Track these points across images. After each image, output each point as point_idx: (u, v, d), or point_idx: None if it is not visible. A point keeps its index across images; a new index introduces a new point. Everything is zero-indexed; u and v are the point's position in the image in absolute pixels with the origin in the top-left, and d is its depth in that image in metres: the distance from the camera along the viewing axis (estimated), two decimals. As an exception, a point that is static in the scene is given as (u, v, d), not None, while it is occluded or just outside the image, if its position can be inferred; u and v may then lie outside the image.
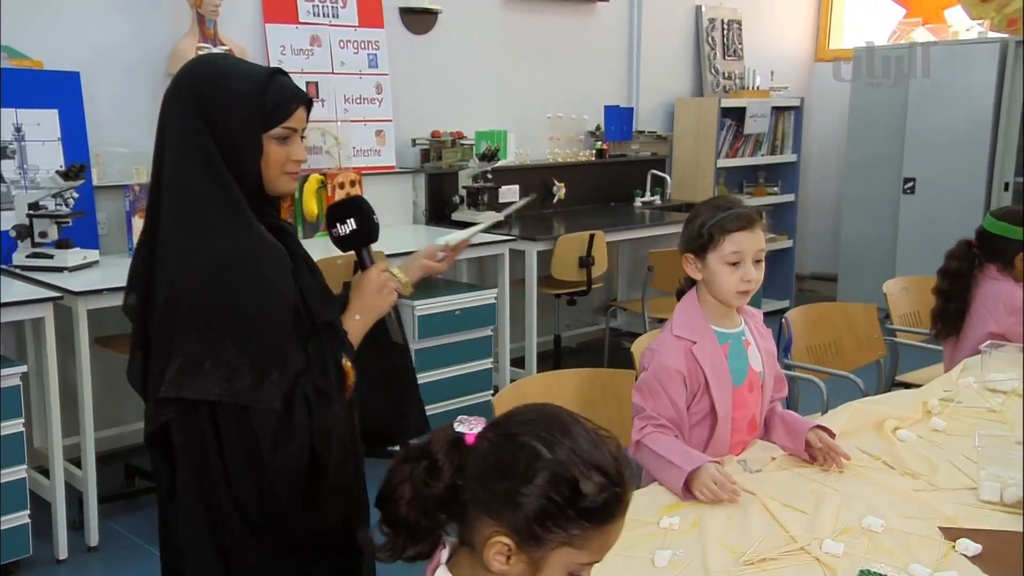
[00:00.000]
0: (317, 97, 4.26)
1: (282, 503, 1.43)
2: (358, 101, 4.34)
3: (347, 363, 1.50)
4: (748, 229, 1.78)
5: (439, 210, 4.51)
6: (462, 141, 4.58)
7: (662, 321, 4.57)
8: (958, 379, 2.29)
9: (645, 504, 1.59)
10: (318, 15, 4.26)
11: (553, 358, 4.70)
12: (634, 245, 5.19)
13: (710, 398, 1.81)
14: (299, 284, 1.49)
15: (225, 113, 1.44)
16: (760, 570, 1.39)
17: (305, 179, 3.99)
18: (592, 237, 4.19)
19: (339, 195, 4.09)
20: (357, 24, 4.38)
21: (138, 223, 3.26)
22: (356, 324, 1.54)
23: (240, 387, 1.38)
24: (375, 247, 1.65)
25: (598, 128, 5.40)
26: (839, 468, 1.74)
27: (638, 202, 5.40)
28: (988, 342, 2.33)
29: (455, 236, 1.77)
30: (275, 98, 1.45)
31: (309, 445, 1.42)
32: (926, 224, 5.74)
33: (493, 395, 3.86)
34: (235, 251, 1.42)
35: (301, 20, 4.21)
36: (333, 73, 4.32)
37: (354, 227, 1.59)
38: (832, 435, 1.80)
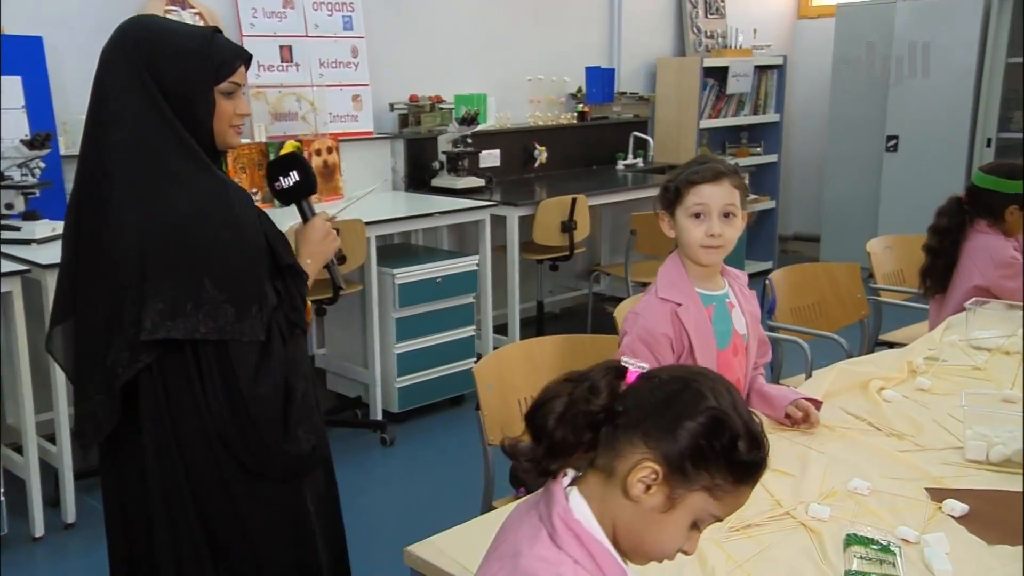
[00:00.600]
0: (292, 61, 4.16)
1: (262, 430, 1.50)
2: (334, 65, 4.23)
3: (310, 305, 1.66)
4: (713, 182, 1.75)
5: (419, 176, 4.43)
6: (441, 105, 4.49)
7: (645, 285, 4.54)
8: (943, 337, 2.28)
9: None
10: (290, -24, 4.15)
11: (536, 324, 4.66)
12: (616, 209, 5.14)
13: (694, 361, 1.78)
14: (263, 229, 1.57)
15: (176, 68, 1.50)
16: (746, 536, 1.37)
17: (280, 146, 3.90)
18: (574, 201, 4.13)
19: (315, 161, 4.01)
20: (330, -15, 4.26)
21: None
22: (308, 268, 1.67)
23: (224, 324, 1.46)
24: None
25: (579, 90, 5.32)
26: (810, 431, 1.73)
27: (620, 165, 5.34)
28: (973, 299, 2.31)
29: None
30: (221, 54, 1.54)
31: (284, 376, 1.52)
32: (909, 182, 5.72)
33: (475, 361, 3.84)
34: (204, 195, 1.48)
35: (273, -18, 4.10)
36: (307, 36, 4.21)
37: (297, 179, 1.71)
38: (818, 404, 1.78)
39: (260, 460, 1.53)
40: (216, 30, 1.58)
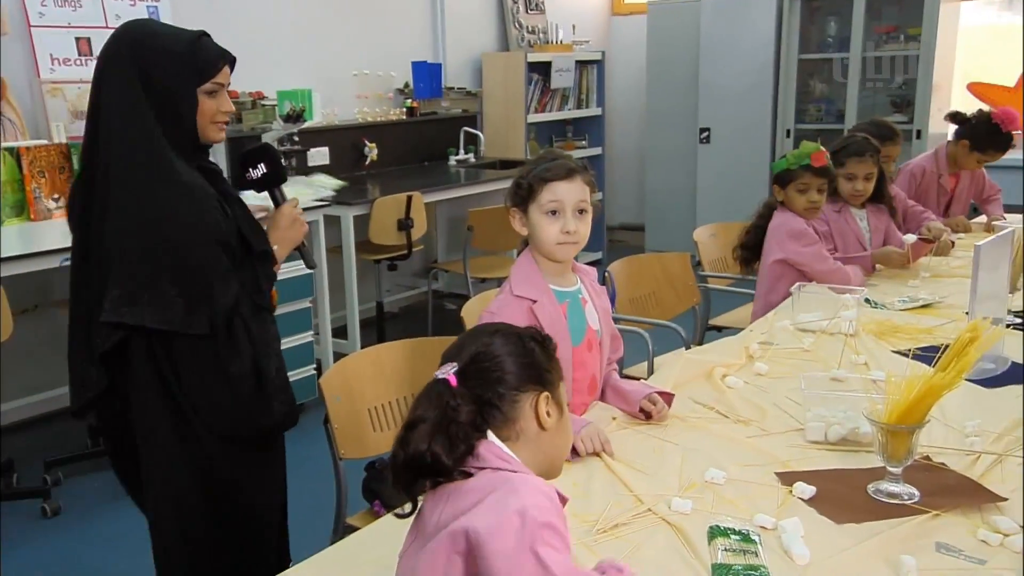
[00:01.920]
0: (91, 55, 3.81)
1: (236, 408, 1.72)
2: (140, 59, 3.93)
3: (274, 291, 1.82)
4: (567, 179, 1.76)
5: (241, 177, 4.19)
6: (263, 101, 4.27)
7: (483, 281, 4.55)
8: (775, 322, 2.41)
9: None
10: (82, -38, 3.80)
11: (376, 325, 4.56)
12: (451, 205, 5.12)
13: None
14: (236, 219, 1.74)
15: (162, 69, 1.66)
16: (614, 537, 1.37)
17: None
18: (410, 199, 4.07)
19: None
20: (133, -28, 3.95)
21: None
22: (276, 253, 1.83)
23: (172, 316, 1.64)
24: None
25: (407, 85, 5.24)
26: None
27: (452, 160, 5.32)
28: (796, 284, 2.46)
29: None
30: (205, 56, 1.70)
31: (252, 356, 1.71)
32: (721, 172, 6.07)
33: (315, 368, 3.70)
34: (177, 197, 1.65)
35: (63, -33, 3.74)
36: (107, 27, 3.87)
37: (265, 170, 1.89)
38: (669, 398, 1.82)
39: (235, 431, 1.75)
40: (203, 33, 1.73)
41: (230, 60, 1.75)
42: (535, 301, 1.79)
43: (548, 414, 1.16)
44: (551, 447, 1.19)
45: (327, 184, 3.83)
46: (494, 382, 1.13)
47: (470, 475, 1.09)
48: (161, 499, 1.80)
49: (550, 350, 1.20)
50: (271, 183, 1.91)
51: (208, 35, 1.75)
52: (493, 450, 1.12)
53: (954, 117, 3.70)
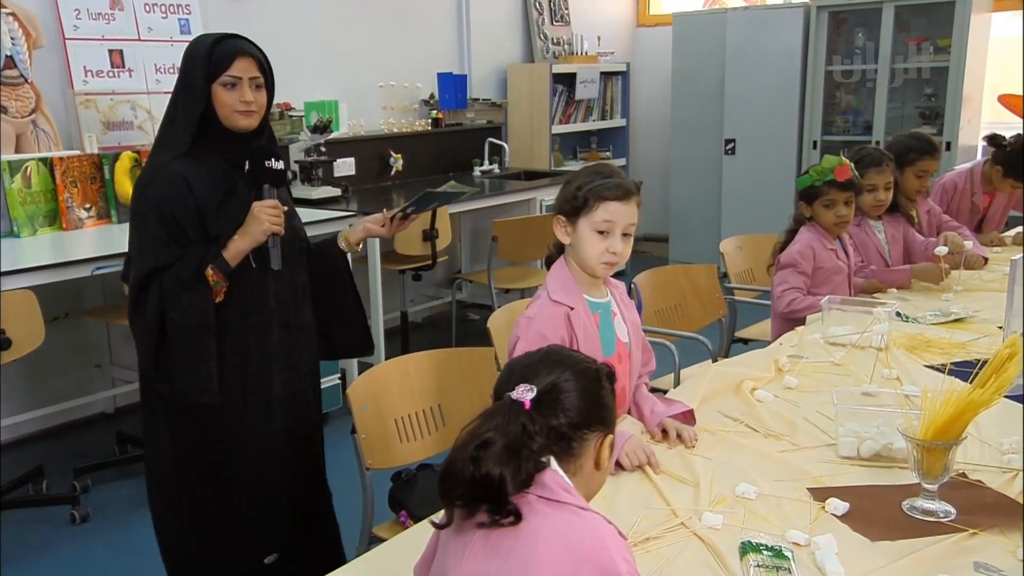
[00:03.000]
0: (123, 67, 3.87)
1: (142, 363, 1.99)
2: (171, 71, 3.97)
3: (210, 272, 1.94)
4: (623, 200, 1.75)
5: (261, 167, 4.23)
6: (291, 112, 4.31)
7: (507, 291, 4.55)
8: (805, 335, 2.38)
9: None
10: (117, -25, 3.86)
11: (401, 335, 4.57)
12: (476, 215, 5.12)
13: None
14: (198, 201, 1.95)
15: (186, 69, 1.99)
16: (645, 551, 1.36)
17: (116, 157, 3.62)
18: (435, 209, 4.07)
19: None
20: (163, -14, 4.00)
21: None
22: (234, 243, 1.97)
23: (127, 270, 2.07)
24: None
25: (432, 97, 5.27)
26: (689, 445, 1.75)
27: (477, 171, 5.33)
28: (827, 297, 2.43)
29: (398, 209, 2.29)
30: (219, 54, 1.95)
31: (158, 320, 1.92)
32: (746, 183, 6.03)
33: (340, 377, 3.71)
34: (151, 174, 1.98)
35: (98, -19, 3.80)
36: (139, 40, 3.93)
37: (281, 167, 2.05)
38: (688, 419, 1.81)
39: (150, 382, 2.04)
40: (229, 36, 2.00)
41: (249, 55, 1.97)
42: (572, 308, 1.78)
43: (607, 456, 1.17)
44: (597, 484, 1.20)
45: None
46: (568, 415, 1.11)
47: (519, 518, 1.06)
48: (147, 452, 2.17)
49: (615, 389, 1.20)
50: (271, 180, 2.03)
51: (236, 36, 2.00)
52: (558, 481, 1.10)
53: (991, 140, 3.65)
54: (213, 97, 1.95)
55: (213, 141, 1.98)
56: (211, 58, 1.94)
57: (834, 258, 2.79)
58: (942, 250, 2.87)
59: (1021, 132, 3.66)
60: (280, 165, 2.04)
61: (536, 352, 1.20)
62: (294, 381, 2.13)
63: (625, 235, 1.77)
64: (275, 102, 4.25)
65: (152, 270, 1.92)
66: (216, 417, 2.02)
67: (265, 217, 1.97)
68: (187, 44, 2.04)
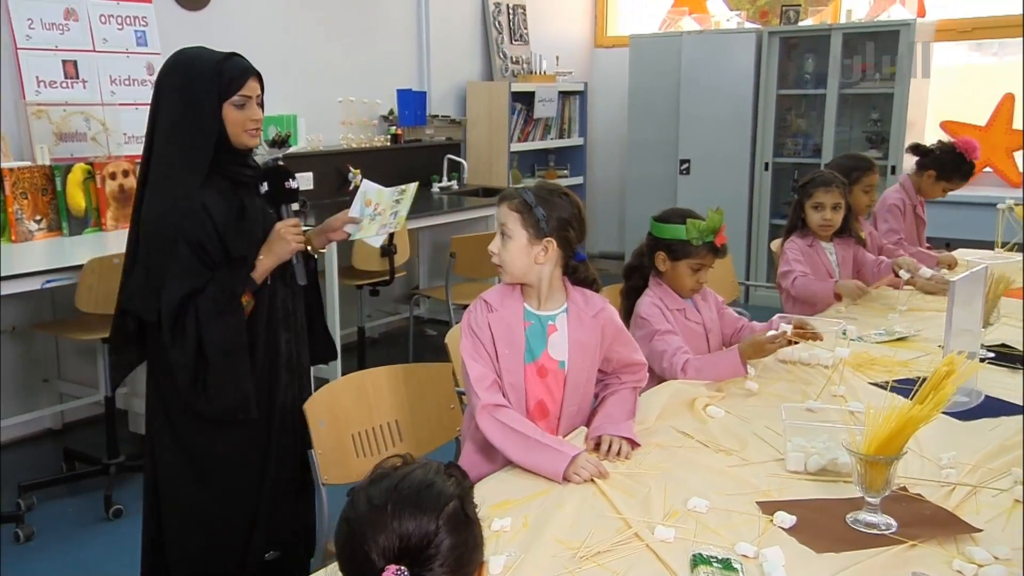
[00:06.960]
0: (77, 77, 3.82)
1: (180, 385, 1.99)
2: (126, 82, 3.93)
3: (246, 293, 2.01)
4: (502, 203, 1.90)
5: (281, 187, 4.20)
6: (248, 126, 4.29)
7: (465, 307, 4.56)
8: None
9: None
10: (73, -15, 3.82)
11: (358, 350, 4.55)
12: (434, 231, 5.14)
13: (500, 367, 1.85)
14: (217, 227, 1.97)
15: (192, 87, 1.95)
16: (596, 564, 1.38)
17: (69, 169, 3.57)
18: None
19: (110, 186, 3.70)
20: (119, -4, 3.97)
21: None
22: (261, 263, 2.04)
23: (138, 303, 2.02)
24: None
25: (391, 112, 5.28)
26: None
27: (435, 187, 5.35)
28: (777, 315, 2.49)
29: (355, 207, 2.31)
30: (229, 73, 1.96)
31: (196, 346, 1.95)
32: (701, 203, 6.05)
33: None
34: (169, 204, 1.96)
35: (52, -10, 3.76)
36: (95, 51, 3.89)
37: (298, 186, 2.13)
38: (636, 444, 1.82)
39: (188, 407, 2.04)
40: (232, 55, 2.01)
41: (255, 75, 2.01)
42: (493, 311, 1.86)
43: None
44: None
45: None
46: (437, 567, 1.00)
47: None
48: (147, 456, 2.18)
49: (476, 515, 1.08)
50: (288, 199, 2.12)
51: (237, 55, 2.02)
52: None
53: (916, 149, 3.81)
54: (223, 116, 1.97)
55: (218, 160, 1.99)
56: (221, 77, 1.95)
57: (683, 319, 2.38)
58: (905, 275, 3.01)
59: (942, 140, 3.83)
60: (296, 184, 2.12)
61: (382, 492, 1.02)
62: (294, 381, 2.22)
63: (503, 235, 1.87)
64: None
65: (186, 295, 1.95)
66: (232, 424, 2.09)
67: (291, 237, 2.05)
68: (165, 59, 2.01)
